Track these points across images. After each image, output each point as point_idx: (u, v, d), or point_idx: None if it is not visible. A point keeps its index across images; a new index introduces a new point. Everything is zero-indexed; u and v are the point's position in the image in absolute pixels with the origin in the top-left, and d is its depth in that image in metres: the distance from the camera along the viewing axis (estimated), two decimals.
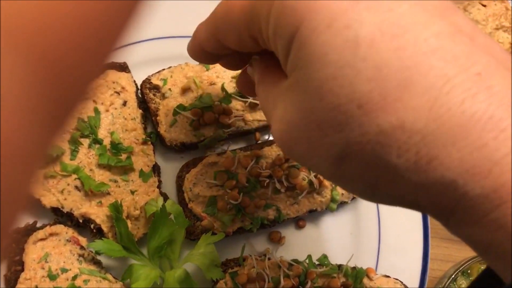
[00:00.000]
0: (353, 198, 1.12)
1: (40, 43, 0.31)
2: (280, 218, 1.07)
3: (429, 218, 1.15)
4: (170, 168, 1.10)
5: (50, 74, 0.32)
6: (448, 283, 1.06)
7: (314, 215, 1.13)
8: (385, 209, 1.15)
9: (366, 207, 1.15)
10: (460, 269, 1.07)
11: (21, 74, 0.31)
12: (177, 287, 0.96)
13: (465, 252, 1.21)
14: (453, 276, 1.06)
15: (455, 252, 1.22)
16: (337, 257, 1.08)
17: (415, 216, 1.14)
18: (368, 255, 1.12)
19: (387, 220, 1.14)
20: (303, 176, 1.06)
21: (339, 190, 1.10)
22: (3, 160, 0.30)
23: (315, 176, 1.06)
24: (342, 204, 1.13)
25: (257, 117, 1.09)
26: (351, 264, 1.07)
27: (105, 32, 0.35)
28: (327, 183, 1.07)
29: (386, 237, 1.13)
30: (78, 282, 0.94)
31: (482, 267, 1.08)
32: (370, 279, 1.05)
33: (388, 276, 1.07)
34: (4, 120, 0.30)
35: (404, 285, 1.07)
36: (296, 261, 1.05)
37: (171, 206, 1.00)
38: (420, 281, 1.10)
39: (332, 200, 1.09)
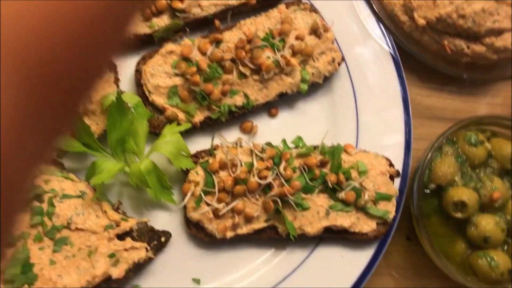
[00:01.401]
0: (325, 78, 1.05)
1: (36, 61, 0.32)
2: (249, 104, 1.01)
3: (409, 93, 1.09)
4: (128, 67, 1.04)
5: (44, 87, 0.33)
6: (432, 151, 1.00)
7: (286, 101, 1.07)
8: (361, 88, 1.08)
9: (341, 88, 1.08)
10: (445, 134, 1.01)
11: (17, 87, 0.31)
12: (143, 178, 0.91)
13: None
14: (435, 144, 1.00)
15: (441, 130, 1.16)
16: (313, 141, 1.02)
17: (393, 92, 1.08)
18: (347, 135, 1.06)
19: (364, 99, 1.07)
20: (268, 55, 0.99)
21: (309, 69, 1.03)
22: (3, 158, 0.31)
23: (281, 56, 1.00)
24: (315, 86, 1.07)
25: (213, 1, 1.03)
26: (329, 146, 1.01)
27: (99, 46, 0.35)
28: (295, 61, 1.01)
29: (364, 116, 1.07)
30: (37, 181, 0.89)
31: (468, 134, 1.02)
32: (349, 154, 1.00)
33: (368, 152, 1.02)
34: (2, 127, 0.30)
35: (386, 158, 1.01)
36: (269, 144, 1.00)
37: (129, 97, 0.95)
38: (405, 155, 1.04)
39: (302, 80, 1.03)
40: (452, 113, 1.18)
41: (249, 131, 1.05)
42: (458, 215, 0.97)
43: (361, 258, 0.99)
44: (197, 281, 0.97)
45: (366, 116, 1.07)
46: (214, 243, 0.98)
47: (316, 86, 1.07)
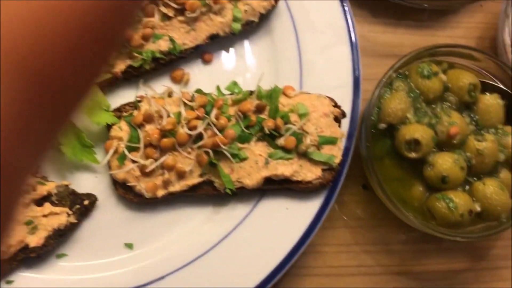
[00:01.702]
0: (262, 16, 0.95)
1: (34, 62, 0.32)
2: (175, 49, 0.91)
3: (361, 29, 0.99)
4: None
5: (43, 86, 0.32)
6: (380, 86, 0.90)
7: (222, 45, 0.97)
8: (303, 25, 0.98)
9: (281, 27, 0.98)
10: (394, 67, 0.91)
11: (15, 85, 0.31)
12: None
13: None
14: (384, 79, 0.90)
15: None
16: (254, 87, 0.93)
17: (339, 28, 0.97)
18: (290, 78, 0.96)
19: (307, 37, 0.97)
20: None
21: (241, 6, 0.93)
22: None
23: None
24: (252, 27, 0.97)
25: None
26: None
27: (96, 48, 0.35)
28: None
29: (308, 55, 0.97)
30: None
31: (421, 65, 0.92)
32: (288, 96, 0.90)
33: (310, 93, 0.92)
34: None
35: (330, 98, 0.92)
36: (199, 91, 0.90)
37: None
38: (353, 94, 0.95)
39: (234, 19, 0.93)
40: (410, 49, 1.05)
41: (180, 80, 0.95)
42: (412, 155, 0.88)
43: (308, 209, 0.90)
44: (129, 246, 0.89)
45: (310, 55, 0.97)
46: (147, 203, 0.90)
47: (253, 27, 0.97)
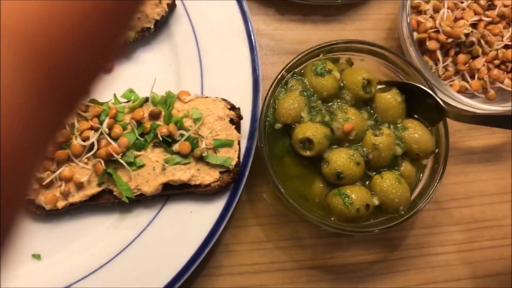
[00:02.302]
0: (157, 22, 0.96)
1: (42, 42, 0.30)
2: None
3: (267, 28, 0.99)
4: None
5: (51, 73, 0.32)
6: (273, 86, 0.91)
7: (122, 53, 0.98)
8: (201, 28, 0.99)
9: (181, 31, 0.99)
10: (287, 67, 0.92)
11: (22, 72, 0.30)
12: None
13: None
14: (277, 79, 0.91)
15: None
16: (158, 92, 0.94)
17: (237, 29, 0.98)
18: (192, 82, 0.97)
19: (206, 40, 0.98)
20: None
21: None
22: (2, 157, 0.29)
23: None
24: (150, 33, 0.97)
25: None
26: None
27: (107, 32, 0.34)
28: None
29: (207, 59, 0.98)
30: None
31: (315, 63, 0.93)
32: (183, 101, 0.91)
33: (206, 97, 0.93)
34: (3, 118, 0.29)
35: (226, 101, 0.93)
36: (94, 101, 0.91)
37: None
38: (253, 95, 0.96)
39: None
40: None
41: None
42: (307, 153, 0.89)
43: (212, 211, 0.92)
44: (37, 256, 0.91)
45: (210, 58, 0.97)
46: (51, 215, 0.91)
47: (151, 32, 0.98)
